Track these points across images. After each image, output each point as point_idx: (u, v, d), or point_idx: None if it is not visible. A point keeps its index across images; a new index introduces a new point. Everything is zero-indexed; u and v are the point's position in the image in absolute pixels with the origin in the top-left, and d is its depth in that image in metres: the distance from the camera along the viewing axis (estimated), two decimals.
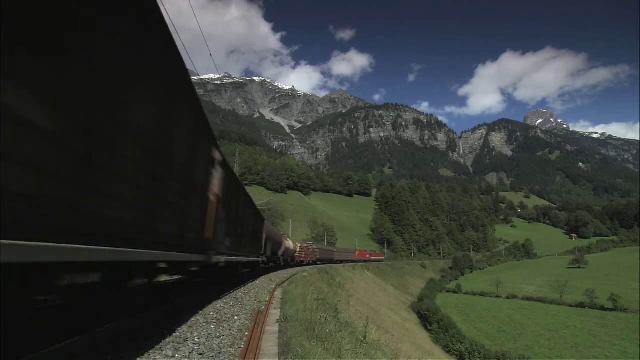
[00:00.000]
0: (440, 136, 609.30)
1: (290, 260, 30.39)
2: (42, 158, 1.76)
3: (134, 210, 2.83)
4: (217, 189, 5.99)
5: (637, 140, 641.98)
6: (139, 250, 2.90)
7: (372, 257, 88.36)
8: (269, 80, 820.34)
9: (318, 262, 44.24)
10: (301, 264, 36.05)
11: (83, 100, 2.05)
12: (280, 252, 22.94)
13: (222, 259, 6.97)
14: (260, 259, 14.61)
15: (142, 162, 2.87)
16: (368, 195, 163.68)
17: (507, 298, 55.75)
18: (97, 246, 2.24)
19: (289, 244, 28.04)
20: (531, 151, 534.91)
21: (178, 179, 3.91)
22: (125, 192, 2.65)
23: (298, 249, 34.58)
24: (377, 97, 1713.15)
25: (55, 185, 1.90)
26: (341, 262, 61.33)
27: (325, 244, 67.59)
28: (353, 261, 69.73)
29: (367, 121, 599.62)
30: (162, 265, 4.28)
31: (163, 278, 6.21)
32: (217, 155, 5.93)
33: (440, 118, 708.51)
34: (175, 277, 6.80)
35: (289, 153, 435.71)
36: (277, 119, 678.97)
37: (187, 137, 4.22)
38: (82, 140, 2.06)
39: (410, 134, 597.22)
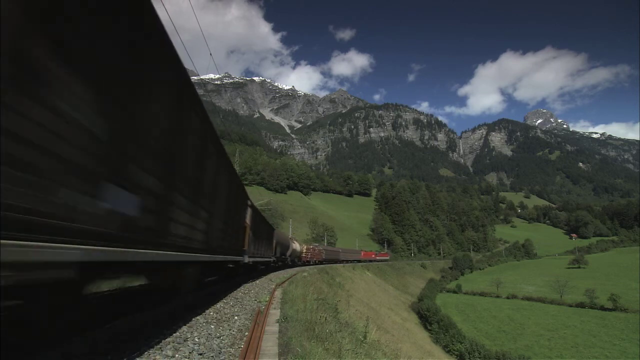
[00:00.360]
0: (440, 136, 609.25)
1: (297, 260, 33.26)
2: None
3: (222, 237, 6.91)
4: (249, 221, 10.98)
5: (637, 140, 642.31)
6: (221, 256, 7.00)
7: (378, 257, 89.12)
8: (269, 80, 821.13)
9: (324, 262, 46.00)
10: (307, 263, 38.22)
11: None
12: (288, 253, 27.00)
13: (251, 259, 11.81)
14: (272, 259, 19.66)
15: (224, 217, 7.02)
16: (368, 195, 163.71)
17: (507, 298, 55.75)
18: (215, 255, 6.35)
19: (296, 246, 31.50)
20: (531, 151, 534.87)
21: (234, 220, 8.48)
22: (220, 229, 6.67)
23: (304, 250, 37.12)
24: (377, 97, 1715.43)
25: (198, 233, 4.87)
26: (347, 261, 63.00)
27: (325, 244, 67.79)
28: (359, 261, 70.30)
29: (367, 121, 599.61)
30: (230, 265, 9.87)
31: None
32: (249, 202, 11.30)
33: (440, 118, 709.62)
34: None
35: (289, 153, 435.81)
36: (277, 119, 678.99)
37: (239, 202, 9.26)
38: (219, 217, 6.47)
39: (410, 134, 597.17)
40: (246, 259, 10.36)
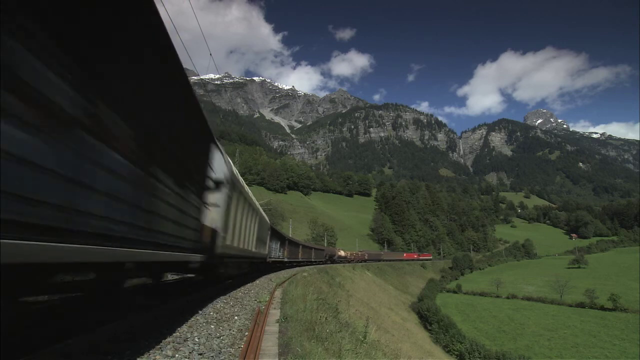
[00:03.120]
0: (440, 136, 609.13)
1: (341, 260, 56.14)
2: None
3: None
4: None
5: (637, 140, 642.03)
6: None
7: (421, 257, 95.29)
8: (269, 80, 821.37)
9: (367, 261, 68.66)
10: (351, 261, 59.77)
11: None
12: (335, 257, 53.14)
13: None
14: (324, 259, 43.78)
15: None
16: (368, 195, 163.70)
17: (507, 298, 55.75)
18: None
19: (341, 252, 57.42)
20: (531, 151, 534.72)
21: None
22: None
23: (349, 255, 60.53)
24: (377, 97, 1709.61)
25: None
26: (389, 261, 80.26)
27: (325, 244, 68.34)
28: (402, 260, 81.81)
29: (367, 121, 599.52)
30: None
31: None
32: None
33: (440, 118, 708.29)
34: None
35: (289, 153, 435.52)
36: (277, 119, 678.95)
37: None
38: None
39: (410, 134, 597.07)
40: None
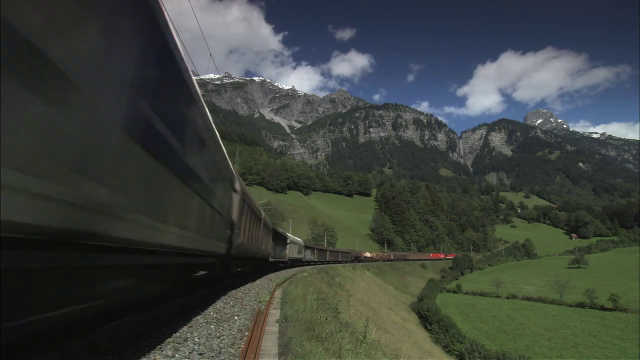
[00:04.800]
0: (440, 136, 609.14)
1: (365, 260, 66.65)
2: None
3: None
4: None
5: (637, 140, 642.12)
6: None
7: (448, 257, 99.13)
8: (269, 81, 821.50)
9: (392, 260, 78.26)
10: (376, 261, 71.38)
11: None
12: (360, 258, 64.10)
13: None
14: (350, 259, 58.75)
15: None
16: (368, 195, 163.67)
17: (507, 298, 55.74)
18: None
19: (366, 254, 68.74)
20: (531, 151, 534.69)
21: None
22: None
23: (374, 255, 72.26)
24: (377, 97, 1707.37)
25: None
26: (415, 260, 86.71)
27: (325, 244, 68.34)
28: (428, 259, 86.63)
29: (367, 121, 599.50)
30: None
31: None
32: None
33: (440, 118, 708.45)
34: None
35: (289, 153, 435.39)
36: (277, 119, 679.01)
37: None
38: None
39: (410, 134, 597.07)
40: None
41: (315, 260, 40.53)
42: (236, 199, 8.41)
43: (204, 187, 4.93)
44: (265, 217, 15.86)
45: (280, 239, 22.38)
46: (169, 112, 3.35)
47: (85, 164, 1.93)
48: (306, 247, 36.12)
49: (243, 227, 9.66)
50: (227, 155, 7.26)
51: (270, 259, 18.53)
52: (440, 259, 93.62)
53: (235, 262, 10.39)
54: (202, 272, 6.38)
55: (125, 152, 2.40)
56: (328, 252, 50.13)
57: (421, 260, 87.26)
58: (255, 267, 16.06)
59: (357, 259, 62.94)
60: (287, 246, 24.79)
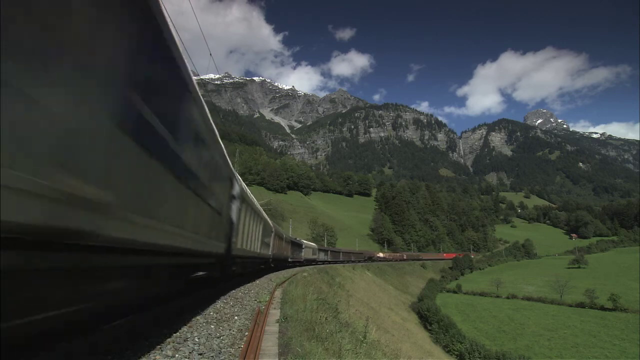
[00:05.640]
0: (440, 136, 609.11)
1: (379, 259, 72.18)
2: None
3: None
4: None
5: (637, 140, 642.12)
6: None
7: (460, 256, 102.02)
8: (269, 81, 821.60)
9: (405, 260, 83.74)
10: (390, 261, 75.66)
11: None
12: (374, 257, 70.25)
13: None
14: (364, 259, 65.88)
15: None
16: (368, 195, 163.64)
17: (507, 298, 55.73)
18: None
19: (380, 254, 73.78)
20: (531, 151, 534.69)
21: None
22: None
23: (387, 256, 76.72)
24: (377, 97, 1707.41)
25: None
26: (430, 260, 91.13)
27: (325, 244, 68.43)
28: (441, 259, 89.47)
29: (367, 121, 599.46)
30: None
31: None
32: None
33: (440, 118, 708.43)
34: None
35: (289, 153, 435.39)
36: (277, 119, 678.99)
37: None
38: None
39: (410, 134, 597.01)
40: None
41: (329, 260, 47.75)
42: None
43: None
44: (278, 228, 19.83)
45: (297, 245, 30.49)
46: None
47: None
48: (320, 250, 44.34)
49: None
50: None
51: (290, 260, 26.61)
52: (451, 259, 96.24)
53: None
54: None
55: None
56: (341, 253, 56.71)
57: (434, 260, 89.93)
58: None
59: (371, 258, 68.97)
60: (303, 250, 32.80)
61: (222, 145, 6.54)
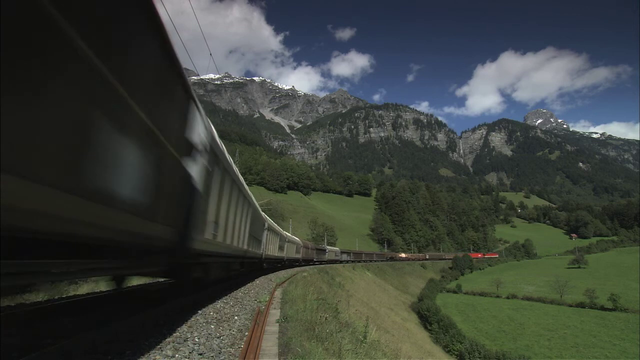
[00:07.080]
0: (440, 136, 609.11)
1: (389, 258, 78.46)
2: None
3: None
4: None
5: (637, 140, 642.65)
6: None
7: (487, 256, 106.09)
8: (269, 81, 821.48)
9: (427, 260, 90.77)
10: (410, 260, 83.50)
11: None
12: (399, 258, 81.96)
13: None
14: (385, 259, 78.82)
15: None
16: (368, 195, 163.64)
17: (507, 298, 55.76)
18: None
19: (402, 254, 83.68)
20: (531, 151, 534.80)
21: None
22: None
23: (410, 256, 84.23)
24: (377, 97, 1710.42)
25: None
26: (450, 260, 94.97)
27: (325, 244, 68.52)
28: (472, 259, 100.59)
29: (367, 121, 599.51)
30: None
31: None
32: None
33: (440, 118, 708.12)
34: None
35: (289, 153, 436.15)
36: (277, 119, 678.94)
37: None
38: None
39: (410, 134, 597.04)
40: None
41: (352, 260, 57.46)
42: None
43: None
44: (298, 240, 26.85)
45: (321, 250, 41.77)
46: None
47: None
48: (342, 252, 53.86)
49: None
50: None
51: (315, 260, 37.57)
52: (478, 259, 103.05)
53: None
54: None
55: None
56: (363, 254, 65.76)
57: (455, 260, 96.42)
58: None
59: (392, 259, 78.13)
60: (326, 253, 44.19)
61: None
